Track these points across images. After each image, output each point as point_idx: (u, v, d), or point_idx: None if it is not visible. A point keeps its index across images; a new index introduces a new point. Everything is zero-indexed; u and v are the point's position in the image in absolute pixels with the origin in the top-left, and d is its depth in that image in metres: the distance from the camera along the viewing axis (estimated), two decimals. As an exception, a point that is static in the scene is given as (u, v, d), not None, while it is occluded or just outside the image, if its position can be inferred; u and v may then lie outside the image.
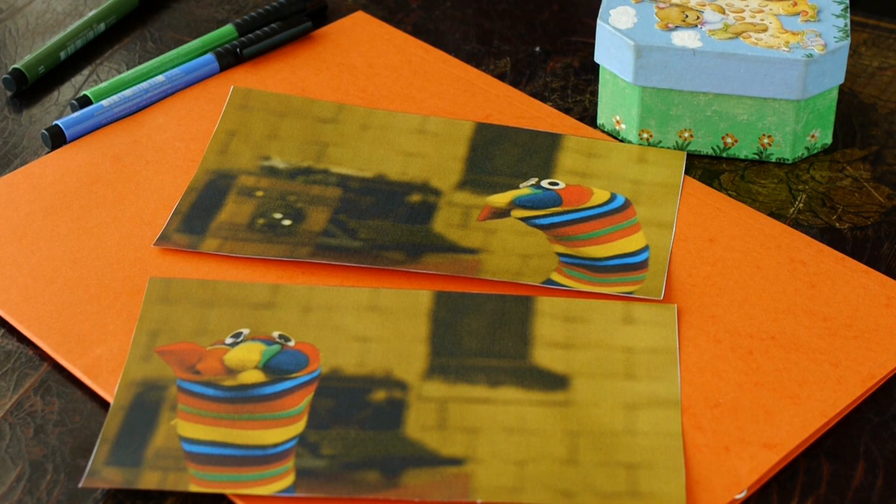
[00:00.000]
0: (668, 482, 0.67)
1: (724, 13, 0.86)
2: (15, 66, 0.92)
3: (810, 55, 0.82)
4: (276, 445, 0.68)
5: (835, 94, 0.85)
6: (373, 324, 0.75)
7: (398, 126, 0.88)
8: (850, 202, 0.84)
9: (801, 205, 0.83)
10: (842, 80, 0.85)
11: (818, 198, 0.84)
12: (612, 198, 0.82)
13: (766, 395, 0.71)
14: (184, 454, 0.68)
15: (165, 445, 0.68)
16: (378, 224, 0.81)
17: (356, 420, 0.70)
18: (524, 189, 0.83)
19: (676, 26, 0.85)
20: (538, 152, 0.86)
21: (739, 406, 0.71)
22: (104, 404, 0.71)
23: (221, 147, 0.86)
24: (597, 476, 0.67)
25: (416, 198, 0.83)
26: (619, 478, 0.67)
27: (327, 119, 0.88)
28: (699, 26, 0.85)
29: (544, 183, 0.83)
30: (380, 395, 0.71)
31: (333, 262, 0.78)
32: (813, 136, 0.86)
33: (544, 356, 0.73)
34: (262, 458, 0.68)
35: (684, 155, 0.86)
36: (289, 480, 0.67)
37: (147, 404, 0.70)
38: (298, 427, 0.69)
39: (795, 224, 0.82)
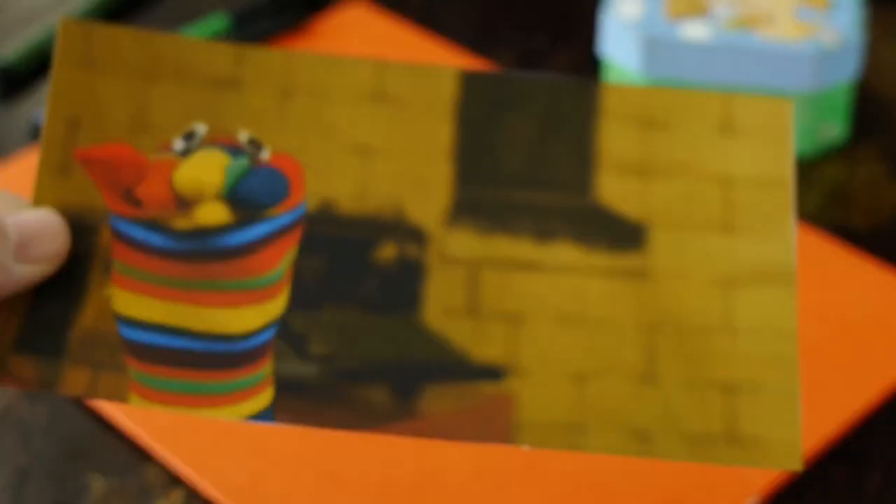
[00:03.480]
0: (780, 419, 0.50)
1: (734, 3, 0.84)
2: (2, 56, 0.90)
3: (823, 47, 0.81)
4: (247, 336, 0.50)
5: (849, 87, 0.84)
6: (377, 123, 0.54)
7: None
8: (865, 199, 0.82)
9: (814, 202, 0.82)
10: (856, 74, 0.83)
11: (832, 195, 0.82)
12: None
13: (780, 399, 0.69)
14: (121, 343, 0.50)
15: (97, 327, 0.50)
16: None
17: (358, 295, 0.51)
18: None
19: (685, 17, 0.83)
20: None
21: (751, 411, 0.69)
22: (93, 412, 0.69)
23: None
24: (682, 404, 0.50)
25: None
26: (712, 409, 0.50)
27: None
28: (708, 17, 0.83)
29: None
30: (388, 250, 0.52)
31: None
32: (826, 131, 0.85)
33: (612, 188, 0.53)
34: (228, 355, 0.50)
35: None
36: (266, 397, 0.49)
37: (70, 255, 0.52)
38: (278, 305, 0.51)
39: (809, 222, 0.80)
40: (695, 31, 0.82)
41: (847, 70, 0.83)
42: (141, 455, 0.68)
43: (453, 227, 0.53)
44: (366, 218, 0.53)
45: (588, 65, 0.92)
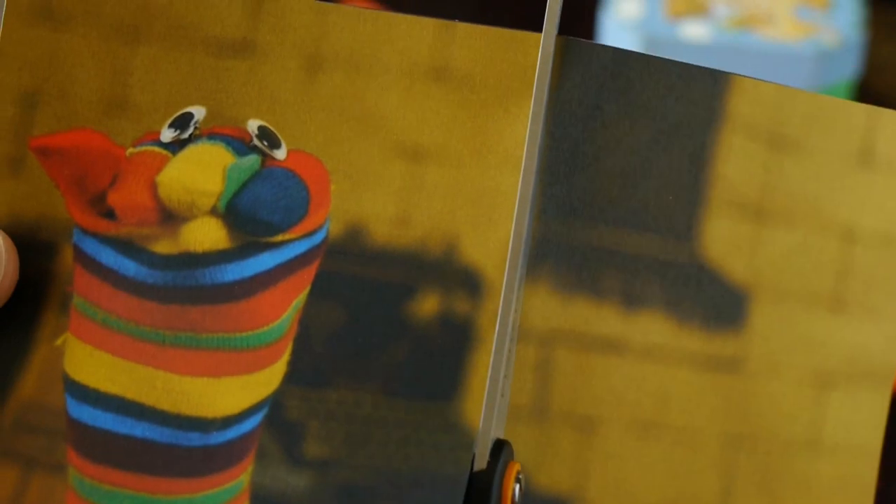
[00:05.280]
0: None
1: (733, 3, 0.84)
2: None
3: (823, 47, 0.81)
4: (227, 422, 0.37)
5: (849, 87, 0.84)
6: (435, 113, 0.39)
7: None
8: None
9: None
10: (856, 73, 0.83)
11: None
12: None
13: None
14: (66, 426, 0.37)
15: (39, 398, 0.37)
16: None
17: (379, 367, 0.37)
18: None
19: (685, 17, 0.83)
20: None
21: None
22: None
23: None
24: None
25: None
26: None
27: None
28: (708, 16, 0.83)
29: None
30: (429, 303, 0.37)
31: None
32: (825, 131, 0.84)
33: (722, 235, 0.39)
34: (197, 453, 0.37)
35: None
36: None
37: (17, 287, 0.37)
38: (273, 376, 0.37)
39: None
40: (694, 30, 0.82)
41: (846, 70, 0.82)
42: (139, 457, 0.67)
43: (528, 275, 0.38)
44: (405, 252, 0.38)
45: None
